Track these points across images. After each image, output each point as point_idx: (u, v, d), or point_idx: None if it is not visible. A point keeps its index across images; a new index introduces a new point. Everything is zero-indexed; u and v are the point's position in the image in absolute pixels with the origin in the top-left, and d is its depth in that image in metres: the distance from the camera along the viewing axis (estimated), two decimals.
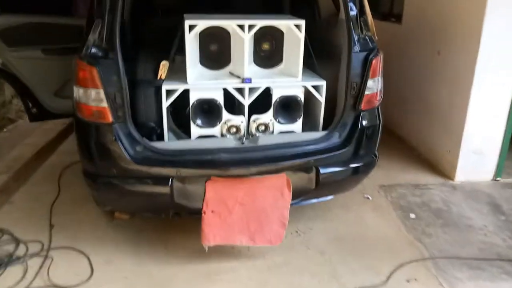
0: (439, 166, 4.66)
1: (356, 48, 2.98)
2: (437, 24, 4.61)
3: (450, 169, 4.49)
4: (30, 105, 4.24)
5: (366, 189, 4.17)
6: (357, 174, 3.22)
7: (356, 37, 2.99)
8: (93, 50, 2.67)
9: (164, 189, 2.82)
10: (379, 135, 3.25)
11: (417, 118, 5.10)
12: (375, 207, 3.96)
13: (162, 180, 2.81)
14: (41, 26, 3.95)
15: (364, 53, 3.01)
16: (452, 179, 4.45)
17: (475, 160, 4.38)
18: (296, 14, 3.38)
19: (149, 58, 3.12)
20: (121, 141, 2.76)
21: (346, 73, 3.00)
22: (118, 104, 2.72)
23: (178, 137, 3.16)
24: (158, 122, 3.06)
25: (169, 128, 3.08)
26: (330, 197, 3.45)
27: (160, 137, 3.07)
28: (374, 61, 2.98)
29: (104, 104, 2.69)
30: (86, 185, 2.91)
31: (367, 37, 3.05)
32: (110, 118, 2.72)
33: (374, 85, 3.06)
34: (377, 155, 3.33)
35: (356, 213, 3.86)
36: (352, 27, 2.96)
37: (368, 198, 4.09)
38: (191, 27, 2.85)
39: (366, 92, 3.03)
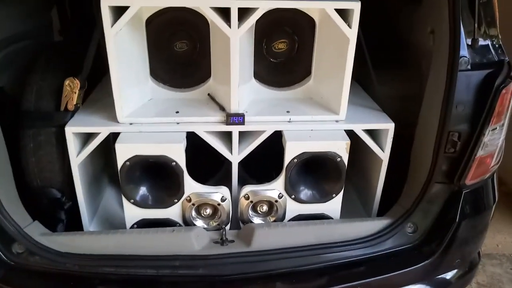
0: None
1: (467, 60, 1.41)
2: None
3: None
4: None
5: None
6: None
7: (468, 39, 1.41)
8: None
9: None
10: (489, 224, 1.71)
11: None
12: None
13: None
14: None
15: (484, 73, 1.43)
16: None
17: None
18: None
19: (57, 66, 1.64)
20: None
21: (440, 112, 1.44)
22: None
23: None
24: (67, 188, 1.63)
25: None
26: None
27: (76, 216, 1.65)
28: (504, 93, 1.41)
29: None
30: None
31: (490, 40, 1.46)
32: None
33: (495, 139, 1.50)
34: (480, 257, 1.80)
35: None
36: (460, 14, 1.38)
37: None
38: (119, 10, 1.36)
39: (480, 153, 1.48)
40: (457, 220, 1.53)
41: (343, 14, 1.43)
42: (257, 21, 1.52)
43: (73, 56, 1.66)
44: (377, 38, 1.73)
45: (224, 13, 1.43)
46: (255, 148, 1.61)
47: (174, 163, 1.47)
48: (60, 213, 1.64)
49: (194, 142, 1.57)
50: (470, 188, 1.55)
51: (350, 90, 1.57)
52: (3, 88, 1.63)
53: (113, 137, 1.59)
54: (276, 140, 1.60)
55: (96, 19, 1.79)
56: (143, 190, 1.56)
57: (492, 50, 1.46)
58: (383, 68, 1.72)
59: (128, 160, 1.45)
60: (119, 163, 1.47)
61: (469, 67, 1.42)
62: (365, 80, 1.80)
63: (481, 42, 1.44)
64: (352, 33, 1.43)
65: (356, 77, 1.58)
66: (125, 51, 1.45)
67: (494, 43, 1.47)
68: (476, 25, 1.42)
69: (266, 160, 1.74)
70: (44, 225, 1.54)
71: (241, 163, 1.63)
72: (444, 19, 1.41)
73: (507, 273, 2.67)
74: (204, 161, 1.69)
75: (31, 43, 1.86)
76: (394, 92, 1.73)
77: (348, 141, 1.51)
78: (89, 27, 2.04)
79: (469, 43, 1.43)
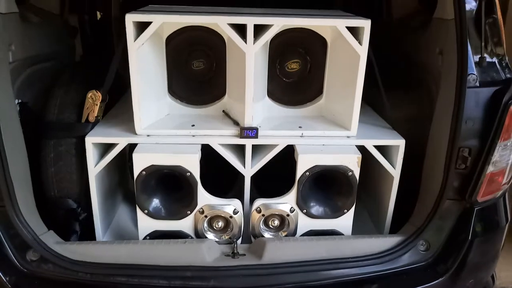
0: None
1: (475, 78, 1.46)
2: None
3: None
4: None
5: None
6: None
7: (475, 57, 1.46)
8: None
9: None
10: (502, 244, 1.69)
11: None
12: None
13: None
14: None
15: (492, 90, 1.47)
16: None
17: None
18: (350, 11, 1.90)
19: (80, 81, 1.72)
20: None
21: (450, 129, 1.47)
22: None
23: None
24: (83, 199, 1.67)
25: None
26: None
27: (90, 228, 1.68)
28: None
29: None
30: None
31: (498, 59, 1.51)
32: None
33: (506, 155, 1.52)
34: (495, 278, 1.76)
35: None
36: (467, 33, 1.43)
37: None
38: (142, 26, 1.45)
39: (490, 169, 1.49)
40: (469, 237, 1.52)
41: (354, 32, 1.50)
42: (271, 42, 1.60)
43: (95, 72, 1.74)
44: (387, 60, 1.79)
45: (240, 30, 1.51)
46: (267, 164, 1.64)
47: (189, 173, 1.50)
48: (74, 224, 1.67)
49: (208, 157, 1.61)
50: (481, 205, 1.55)
51: (361, 111, 1.61)
52: (27, 103, 1.71)
53: (129, 151, 1.64)
54: (287, 158, 1.63)
55: (116, 41, 1.88)
56: (156, 201, 1.58)
57: (500, 68, 1.51)
58: (394, 89, 1.77)
59: (144, 169, 1.49)
60: (136, 173, 1.50)
61: (477, 84, 1.46)
62: (376, 101, 1.84)
63: (488, 59, 1.49)
64: (362, 49, 1.49)
65: (367, 100, 1.63)
66: (146, 66, 1.52)
67: (501, 61, 1.51)
68: (483, 44, 1.47)
69: (277, 176, 1.77)
70: (59, 236, 1.56)
71: (253, 178, 1.66)
72: (452, 40, 1.46)
73: None
74: (217, 175, 1.72)
75: (56, 64, 1.96)
76: (405, 111, 1.76)
77: (360, 155, 1.54)
78: (108, 53, 2.15)
79: (477, 60, 1.47)
